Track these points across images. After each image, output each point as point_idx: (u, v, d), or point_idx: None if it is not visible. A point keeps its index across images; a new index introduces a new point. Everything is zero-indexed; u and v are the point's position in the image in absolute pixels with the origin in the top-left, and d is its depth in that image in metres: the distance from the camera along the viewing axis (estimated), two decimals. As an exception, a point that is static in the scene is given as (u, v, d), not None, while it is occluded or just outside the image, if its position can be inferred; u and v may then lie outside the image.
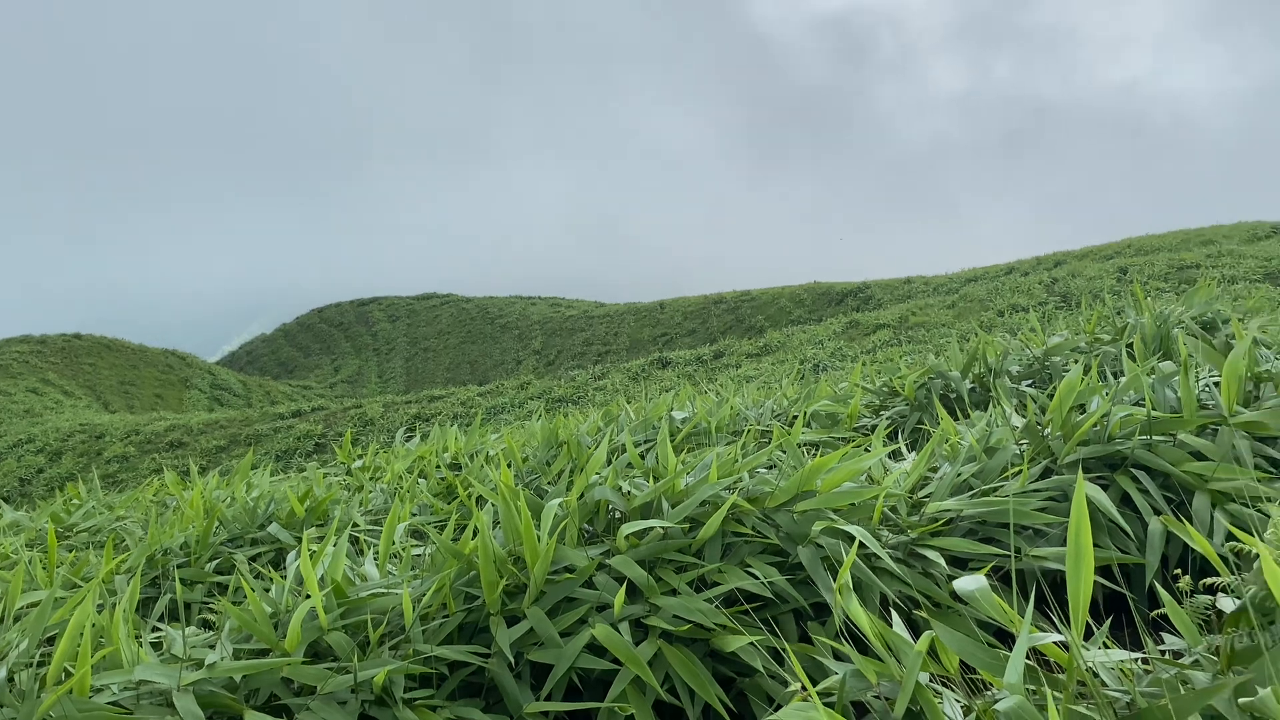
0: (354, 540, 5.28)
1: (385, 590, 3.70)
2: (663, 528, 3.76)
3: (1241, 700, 1.87)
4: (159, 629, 4.02)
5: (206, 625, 4.46)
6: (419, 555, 4.28)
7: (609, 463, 5.21)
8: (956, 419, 5.75)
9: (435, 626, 3.50)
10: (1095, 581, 3.70)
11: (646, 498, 3.93)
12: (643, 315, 57.47)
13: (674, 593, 3.56)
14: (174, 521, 5.99)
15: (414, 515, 5.54)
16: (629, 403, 9.51)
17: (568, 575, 3.59)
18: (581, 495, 4.06)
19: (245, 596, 4.00)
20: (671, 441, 6.35)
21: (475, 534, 3.69)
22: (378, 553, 4.14)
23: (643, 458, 5.20)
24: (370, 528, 5.54)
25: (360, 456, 8.53)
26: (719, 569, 3.63)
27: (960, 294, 38.69)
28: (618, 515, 4.05)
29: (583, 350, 56.72)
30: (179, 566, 5.17)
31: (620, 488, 4.09)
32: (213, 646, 3.48)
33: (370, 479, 7.32)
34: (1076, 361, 6.04)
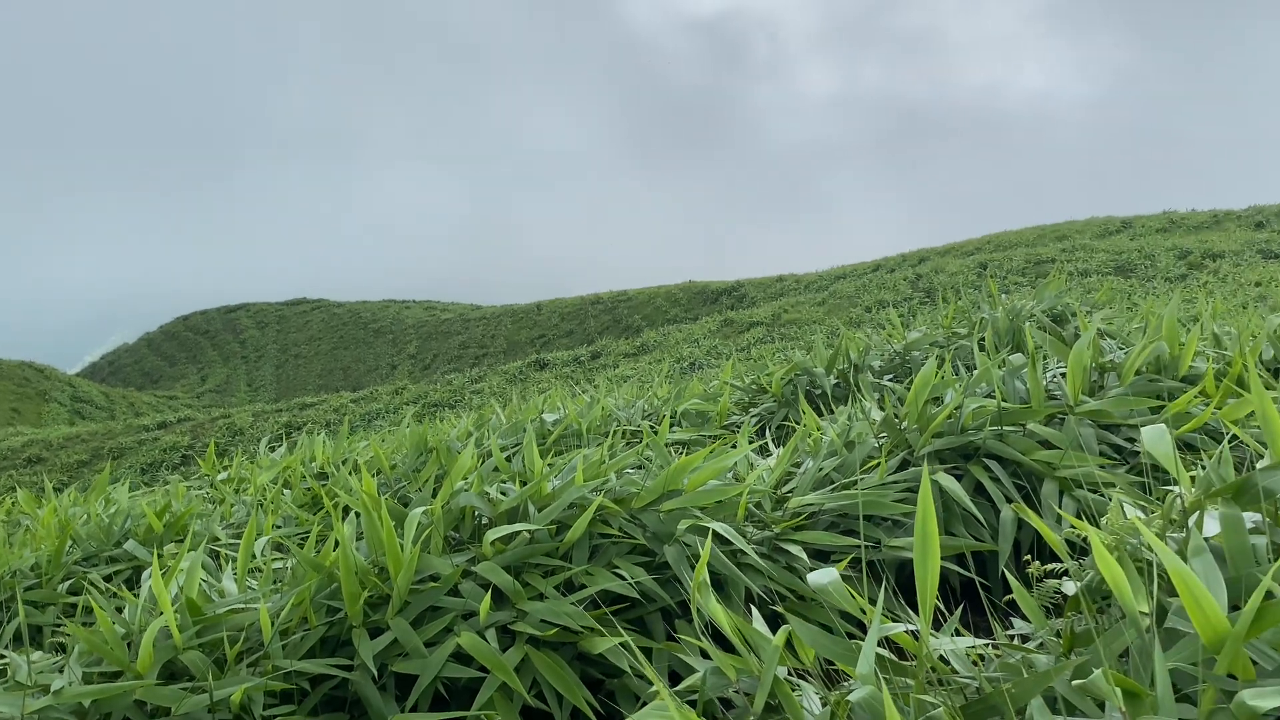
0: (215, 555, 5.11)
1: (244, 606, 3.59)
2: (529, 532, 3.73)
3: (1075, 682, 1.94)
4: (3, 656, 3.82)
5: (60, 649, 4.27)
6: (280, 569, 4.17)
7: (477, 467, 5.16)
8: (821, 414, 5.86)
9: (296, 641, 3.41)
10: (952, 569, 3.82)
11: (513, 502, 3.90)
12: (520, 317, 57.20)
13: (541, 597, 3.54)
14: (25, 541, 5.72)
15: (278, 528, 5.40)
16: (504, 406, 9.44)
17: (432, 584, 3.54)
18: (447, 502, 4.01)
19: (96, 617, 3.83)
20: (543, 444, 6.33)
21: (337, 545, 3.61)
22: (236, 567, 4.02)
23: (510, 461, 5.16)
24: (232, 542, 5.37)
25: (226, 468, 8.28)
26: (587, 571, 3.62)
27: (830, 291, 39.54)
28: (484, 521, 4.01)
29: (459, 354, 56.15)
30: (29, 588, 4.94)
31: (486, 493, 4.05)
32: (61, 671, 3.33)
33: (234, 491, 7.10)
34: (935, 356, 6.22)
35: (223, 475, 7.79)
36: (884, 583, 3.00)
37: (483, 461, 5.71)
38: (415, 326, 65.17)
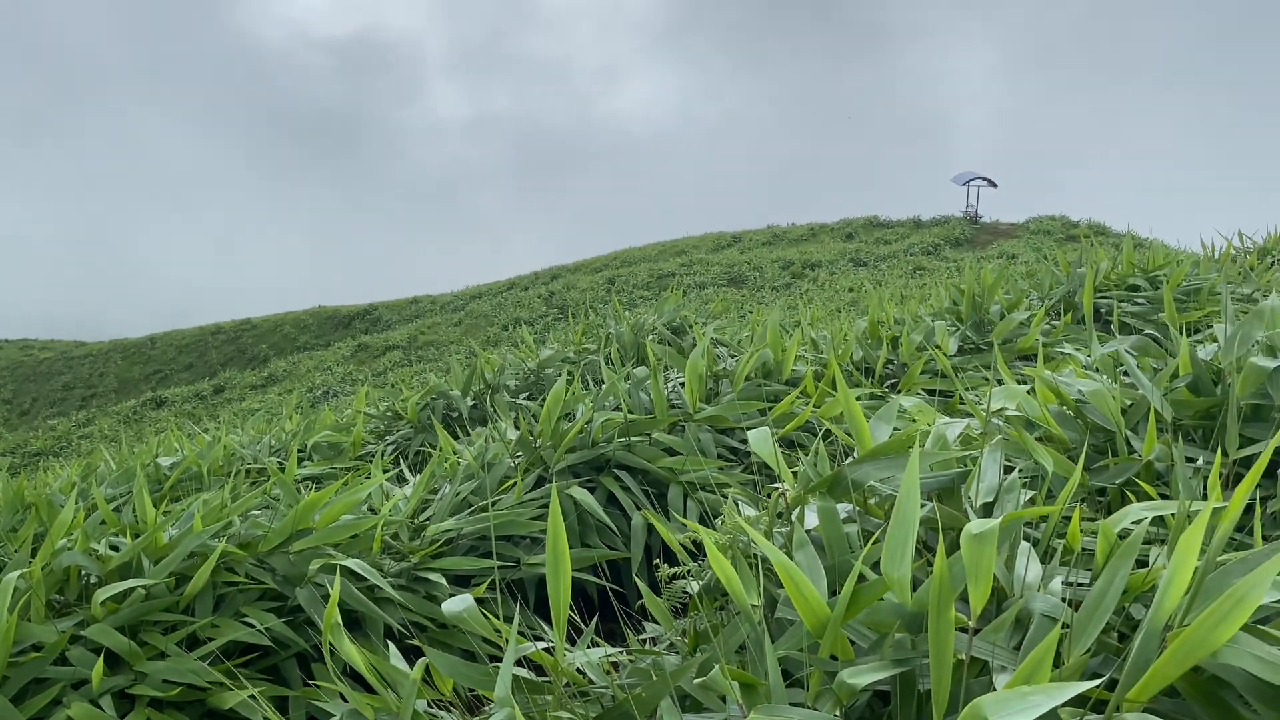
0: None
1: None
2: (144, 587, 3.45)
3: (697, 680, 2.04)
4: None
5: None
6: None
7: (83, 522, 4.71)
8: (459, 437, 5.84)
9: None
10: (590, 580, 3.92)
11: (124, 557, 3.59)
12: (132, 352, 52.91)
13: (163, 656, 3.30)
14: None
15: None
16: (116, 451, 8.68)
17: (35, 654, 3.19)
18: (48, 563, 3.63)
19: None
20: (159, 491, 5.88)
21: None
22: None
23: (120, 512, 4.75)
24: None
25: None
26: (212, 623, 3.41)
27: (466, 311, 39.68)
28: (93, 580, 3.66)
29: (63, 396, 51.10)
30: None
31: (94, 549, 3.70)
32: None
33: None
34: (566, 372, 6.37)
35: None
36: (518, 602, 3.02)
37: (89, 515, 5.22)
38: (9, 368, 58.66)
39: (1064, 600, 2.02)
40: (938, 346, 5.84)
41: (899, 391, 5.42)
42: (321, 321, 46.18)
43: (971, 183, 38.63)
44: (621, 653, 2.63)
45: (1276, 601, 2.08)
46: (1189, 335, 5.31)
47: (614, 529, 4.10)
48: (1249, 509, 2.71)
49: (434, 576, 3.71)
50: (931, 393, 5.20)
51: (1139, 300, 6.38)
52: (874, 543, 2.25)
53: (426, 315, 41.95)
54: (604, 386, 5.00)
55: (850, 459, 2.65)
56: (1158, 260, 6.97)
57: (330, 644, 2.52)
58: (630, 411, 4.71)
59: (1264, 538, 2.62)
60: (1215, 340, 3.76)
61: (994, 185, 38.83)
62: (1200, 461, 2.97)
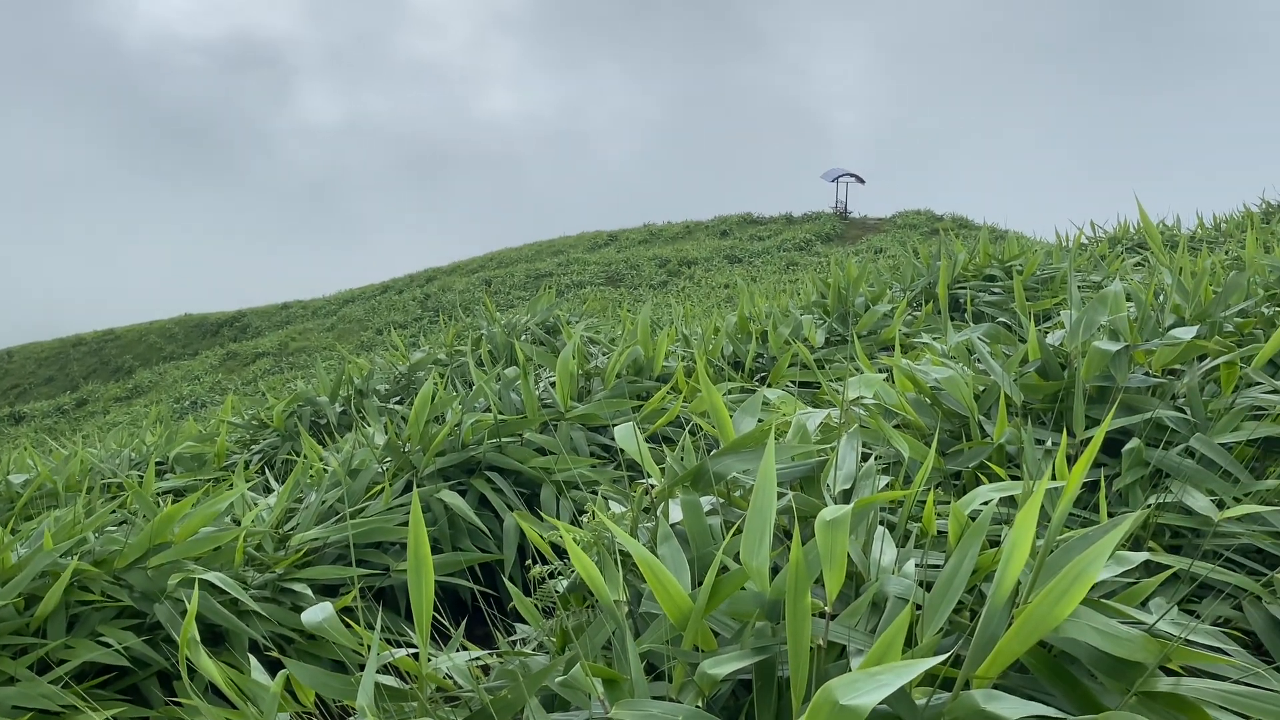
0: None
1: None
2: (-10, 611, 3.29)
3: (559, 679, 2.03)
4: None
5: None
6: None
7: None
8: (326, 444, 5.72)
9: None
10: (462, 584, 3.88)
11: (-34, 581, 3.41)
12: (-15, 367, 50.43)
13: (12, 680, 3.15)
14: None
15: None
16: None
17: None
18: (-121, 594, 3.43)
19: None
20: (10, 509, 5.62)
21: None
22: None
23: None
24: None
25: None
26: (65, 644, 3.27)
27: (339, 315, 38.91)
28: (-68, 608, 3.47)
29: (-90, 415, 48.44)
30: None
31: (-68, 576, 3.51)
32: None
33: None
34: (438, 375, 6.29)
35: None
36: (391, 609, 2.96)
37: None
38: None
39: (918, 582, 2.07)
40: (804, 340, 5.95)
41: (768, 384, 5.50)
42: (189, 330, 44.72)
43: (840, 179, 39.50)
44: (491, 655, 2.60)
45: (1120, 576, 2.17)
46: (1040, 322, 5.52)
47: (486, 531, 4.06)
48: (1095, 486, 2.83)
49: (299, 587, 3.62)
50: (800, 384, 5.30)
51: (995, 290, 6.60)
52: (735, 533, 2.27)
53: (298, 321, 41.02)
54: (474, 388, 4.95)
55: (715, 451, 2.68)
56: (1013, 251, 7.22)
57: (189, 660, 2.44)
58: (501, 412, 4.68)
59: (1109, 513, 2.74)
60: (1063, 326, 3.91)
61: (861, 181, 39.78)
62: (1049, 443, 3.09)
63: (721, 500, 2.62)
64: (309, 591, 3.59)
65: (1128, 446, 2.91)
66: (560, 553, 2.91)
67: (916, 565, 2.15)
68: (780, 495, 2.44)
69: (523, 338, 7.08)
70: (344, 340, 34.08)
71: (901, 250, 30.86)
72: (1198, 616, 2.14)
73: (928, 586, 2.07)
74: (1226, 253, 7.25)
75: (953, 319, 6.63)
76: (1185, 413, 3.19)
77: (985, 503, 2.29)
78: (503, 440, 4.43)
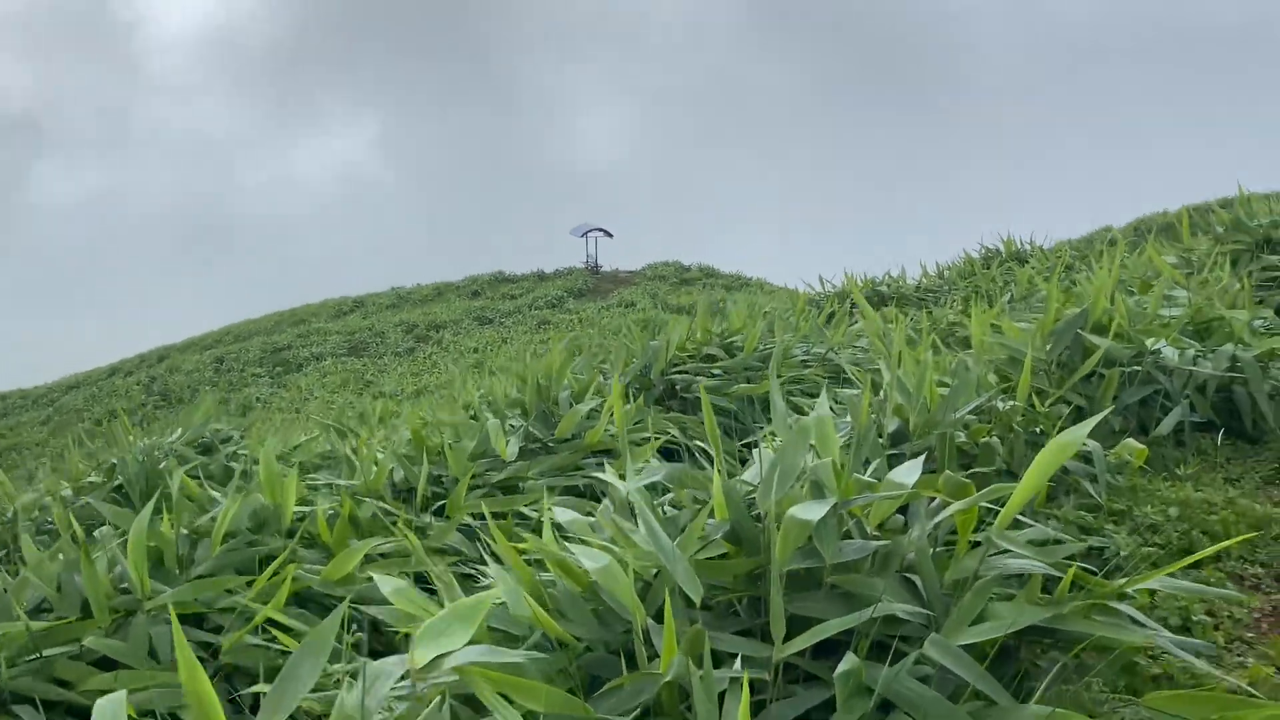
0: None
1: None
2: None
3: None
4: None
5: None
6: None
7: None
8: None
9: None
10: None
11: None
12: None
13: None
14: None
15: None
16: None
17: None
18: None
19: None
20: None
21: None
22: None
23: None
24: None
25: None
26: None
27: (57, 405, 35.41)
28: None
29: None
30: None
31: None
32: None
33: None
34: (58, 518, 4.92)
35: None
36: None
37: None
38: None
39: None
40: (493, 454, 4.95)
41: (446, 517, 4.47)
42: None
43: (589, 234, 39.10)
44: None
45: None
46: (759, 418, 4.75)
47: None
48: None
49: None
50: (480, 517, 4.30)
51: (715, 371, 5.83)
52: None
53: (13, 413, 37.17)
54: (19, 576, 3.65)
55: None
56: (736, 324, 6.49)
57: None
58: (55, 609, 3.43)
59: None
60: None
61: (610, 235, 39.51)
62: (739, 659, 2.17)
63: None
64: None
65: (842, 669, 2.03)
66: None
67: None
68: None
69: (165, 461, 5.77)
70: (60, 434, 30.93)
71: (651, 303, 30.62)
72: None
73: None
74: (949, 323, 6.78)
75: (669, 408, 5.81)
76: (918, 587, 2.38)
77: None
78: (45, 655, 3.19)
